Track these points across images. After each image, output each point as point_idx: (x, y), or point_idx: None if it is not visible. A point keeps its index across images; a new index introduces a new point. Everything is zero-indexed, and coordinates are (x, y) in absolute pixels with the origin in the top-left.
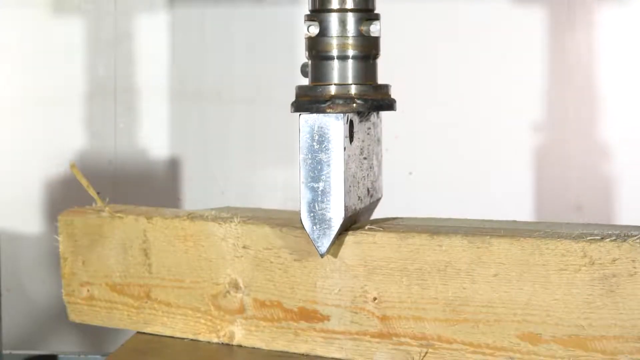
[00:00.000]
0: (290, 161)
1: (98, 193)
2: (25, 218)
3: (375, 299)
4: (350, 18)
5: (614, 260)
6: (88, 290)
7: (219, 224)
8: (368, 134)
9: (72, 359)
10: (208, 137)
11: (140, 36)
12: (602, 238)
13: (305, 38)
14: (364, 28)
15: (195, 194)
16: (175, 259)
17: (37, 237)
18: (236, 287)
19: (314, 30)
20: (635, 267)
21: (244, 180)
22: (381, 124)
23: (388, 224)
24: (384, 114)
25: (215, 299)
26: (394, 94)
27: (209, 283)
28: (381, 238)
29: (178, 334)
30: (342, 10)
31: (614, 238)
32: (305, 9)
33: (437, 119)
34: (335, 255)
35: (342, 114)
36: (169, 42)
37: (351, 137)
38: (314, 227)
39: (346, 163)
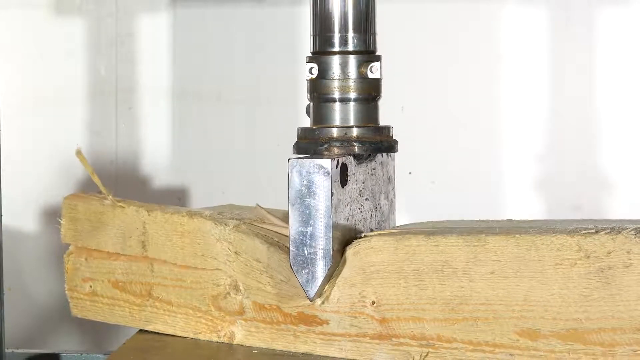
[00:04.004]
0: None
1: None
2: (27, 217)
3: (373, 302)
4: (351, 60)
5: (609, 253)
6: (90, 286)
7: (215, 224)
8: (372, 174)
9: (74, 358)
10: (208, 137)
11: (142, 36)
12: (596, 231)
13: (307, 80)
14: (364, 70)
15: (195, 193)
16: (172, 253)
17: (38, 236)
18: (236, 289)
19: (315, 72)
20: (630, 259)
21: (244, 180)
22: (393, 162)
23: (384, 230)
24: (387, 112)
25: (216, 299)
26: (394, 92)
27: (209, 284)
28: (377, 242)
29: (179, 333)
30: (343, 53)
31: (608, 231)
32: (306, 8)
33: (437, 118)
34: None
35: (330, 159)
36: (170, 42)
37: (344, 180)
38: (302, 271)
39: (335, 208)
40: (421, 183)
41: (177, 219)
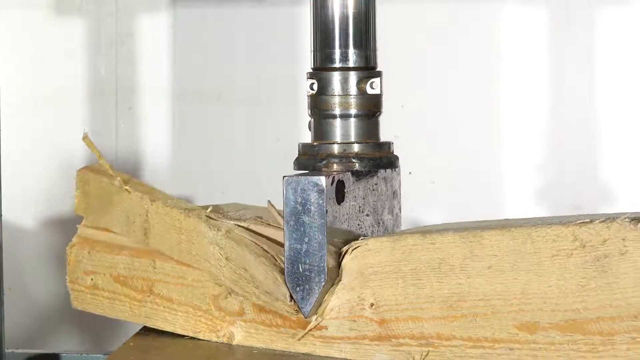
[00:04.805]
0: (291, 161)
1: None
2: (27, 216)
3: (372, 304)
4: (351, 77)
5: (605, 241)
6: (92, 279)
7: (209, 227)
8: (374, 190)
9: (74, 358)
10: (208, 137)
11: (141, 36)
12: (591, 221)
13: (307, 96)
14: (364, 86)
15: (195, 193)
16: (170, 247)
17: (38, 236)
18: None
19: (315, 88)
20: (625, 246)
21: (244, 180)
22: (399, 177)
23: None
24: (386, 111)
25: (217, 299)
26: (394, 91)
27: (211, 283)
28: (374, 244)
29: (178, 331)
30: (343, 69)
31: (603, 219)
32: (306, 8)
33: (437, 118)
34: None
35: (324, 176)
36: (170, 42)
37: (341, 197)
38: (297, 287)
39: (330, 225)
40: (421, 183)
41: (175, 214)
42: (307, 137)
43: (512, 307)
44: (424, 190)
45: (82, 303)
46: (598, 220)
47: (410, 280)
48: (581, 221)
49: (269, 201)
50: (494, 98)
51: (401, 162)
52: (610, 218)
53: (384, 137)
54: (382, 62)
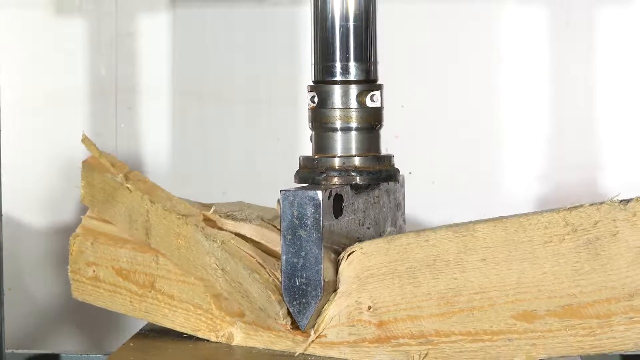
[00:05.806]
0: (291, 161)
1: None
2: (26, 217)
3: (370, 307)
4: (352, 90)
5: (596, 223)
6: (94, 271)
7: (206, 237)
8: (375, 202)
9: (74, 358)
10: (208, 137)
11: (141, 36)
12: (581, 205)
13: (308, 109)
14: (365, 99)
15: (195, 193)
16: (170, 250)
17: (38, 236)
18: None
19: (316, 101)
20: (616, 227)
21: (244, 180)
22: (403, 189)
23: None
24: (388, 110)
25: (218, 299)
26: (394, 91)
27: (211, 283)
28: (369, 247)
29: (177, 328)
30: (344, 82)
31: (592, 203)
32: (307, 8)
33: (437, 118)
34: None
35: (321, 190)
36: (170, 42)
37: (339, 211)
38: (294, 301)
39: (327, 239)
40: (421, 183)
41: (174, 219)
42: (307, 138)
43: (508, 298)
44: (424, 190)
45: (82, 294)
46: (588, 204)
47: (407, 280)
48: (571, 206)
49: (278, 201)
50: (494, 98)
51: (401, 162)
52: (600, 201)
53: (384, 136)
54: (382, 63)
